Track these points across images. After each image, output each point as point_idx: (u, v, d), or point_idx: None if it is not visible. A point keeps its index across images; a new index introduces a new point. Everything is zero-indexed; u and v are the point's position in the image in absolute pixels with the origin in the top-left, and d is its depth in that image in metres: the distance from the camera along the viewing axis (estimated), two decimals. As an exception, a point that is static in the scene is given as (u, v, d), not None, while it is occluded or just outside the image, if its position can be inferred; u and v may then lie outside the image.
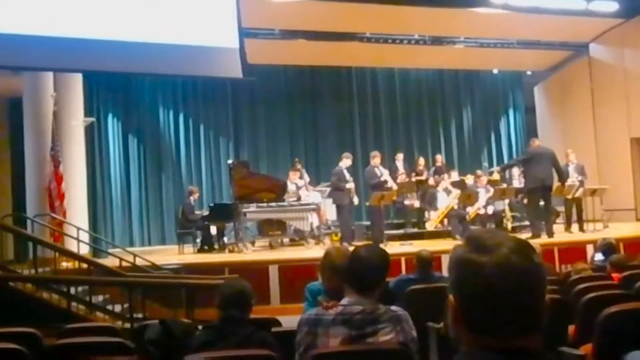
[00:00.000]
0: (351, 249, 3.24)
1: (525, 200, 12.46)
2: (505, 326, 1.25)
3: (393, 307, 2.93)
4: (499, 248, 1.28)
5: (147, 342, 3.67)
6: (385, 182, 11.53)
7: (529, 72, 17.26)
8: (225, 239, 11.93)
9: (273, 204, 11.47)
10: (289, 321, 3.81)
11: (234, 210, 11.22)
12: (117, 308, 8.29)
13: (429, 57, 15.30)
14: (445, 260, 8.65)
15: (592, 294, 4.25)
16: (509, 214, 12.04)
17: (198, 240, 11.88)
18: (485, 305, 1.25)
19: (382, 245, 10.45)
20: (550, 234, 11.07)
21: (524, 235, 10.25)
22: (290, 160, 14.31)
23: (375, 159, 11.79)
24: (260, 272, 9.24)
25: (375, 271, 2.94)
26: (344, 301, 2.89)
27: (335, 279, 3.64)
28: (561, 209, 12.27)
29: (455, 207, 12.03)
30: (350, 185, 11.45)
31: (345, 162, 11.50)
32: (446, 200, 12.27)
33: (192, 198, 12.38)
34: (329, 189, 12.19)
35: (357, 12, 12.70)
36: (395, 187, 11.94)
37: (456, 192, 12.43)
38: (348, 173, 11.47)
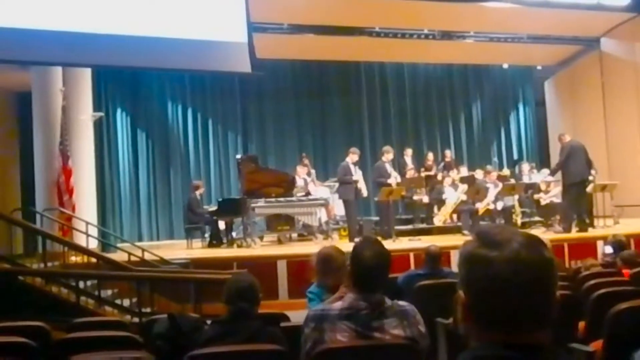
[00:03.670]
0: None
1: (535, 196, 12.46)
2: (515, 321, 1.24)
3: (400, 302, 2.91)
4: (508, 243, 1.27)
5: (156, 336, 3.67)
6: (390, 185, 11.40)
7: (539, 67, 17.15)
8: (234, 234, 11.95)
9: (281, 199, 11.47)
10: (297, 316, 3.81)
11: (242, 205, 11.23)
12: (126, 302, 8.32)
13: (438, 52, 15.22)
14: (454, 256, 8.64)
15: (602, 290, 4.23)
16: (518, 209, 11.99)
17: (206, 235, 11.89)
18: (495, 300, 1.25)
19: (391, 241, 10.51)
20: (591, 225, 11.35)
21: (536, 231, 10.21)
22: (299, 155, 14.31)
23: (388, 154, 11.71)
24: (269, 267, 9.25)
25: (377, 271, 2.92)
26: (349, 296, 2.88)
27: (332, 274, 3.73)
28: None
29: (464, 199, 12.00)
30: (358, 178, 11.41)
31: (352, 157, 11.44)
32: (453, 195, 12.23)
33: (197, 192, 12.38)
34: (337, 184, 12.17)
35: (366, 7, 12.65)
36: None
37: (463, 186, 12.39)
38: (354, 168, 11.41)
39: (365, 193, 11.68)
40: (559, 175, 11.73)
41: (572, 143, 11.26)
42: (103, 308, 8.02)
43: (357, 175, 11.43)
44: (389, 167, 11.66)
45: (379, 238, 9.60)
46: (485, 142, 17.37)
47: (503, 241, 1.27)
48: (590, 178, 11.68)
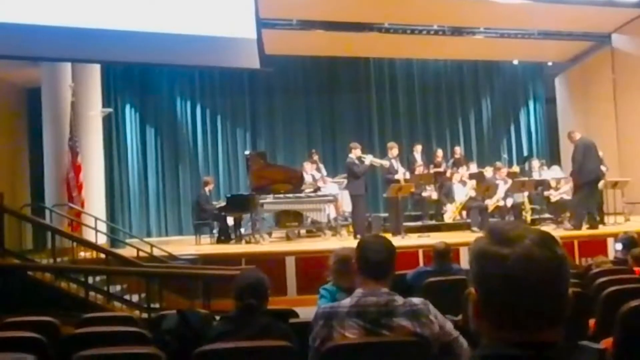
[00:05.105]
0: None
1: (545, 193, 12.40)
2: (527, 319, 1.23)
3: (414, 300, 2.89)
4: (521, 240, 1.25)
5: (165, 332, 3.68)
6: (398, 181, 11.35)
7: (549, 63, 17.05)
8: (242, 230, 11.95)
9: (290, 195, 11.47)
10: (306, 312, 3.81)
11: (250, 201, 11.23)
12: (135, 298, 8.35)
13: (448, 48, 15.17)
14: (463, 253, 8.62)
15: (613, 288, 4.21)
16: (528, 206, 11.94)
17: (215, 231, 11.91)
18: (507, 298, 1.23)
19: (400, 237, 10.49)
20: (601, 222, 11.31)
21: (546, 228, 10.15)
22: (307, 151, 14.30)
23: (393, 150, 11.69)
24: (277, 263, 9.25)
25: (384, 254, 2.92)
26: (358, 292, 2.87)
27: (348, 276, 3.73)
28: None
29: (473, 196, 11.95)
30: (369, 160, 11.32)
31: (355, 152, 11.35)
32: (462, 191, 12.19)
33: (207, 188, 12.41)
34: (345, 181, 12.14)
35: (375, 2, 12.62)
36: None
37: (471, 182, 12.35)
38: (358, 161, 11.34)
39: (387, 164, 11.57)
40: (568, 171, 11.65)
41: (584, 140, 11.17)
42: (112, 303, 8.06)
43: (367, 159, 11.34)
44: (395, 163, 11.62)
45: (388, 234, 9.60)
46: (495, 138, 17.29)
47: (515, 238, 1.25)
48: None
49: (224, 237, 11.68)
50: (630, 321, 3.33)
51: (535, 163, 13.81)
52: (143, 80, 14.89)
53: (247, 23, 11.29)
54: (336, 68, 16.24)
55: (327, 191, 12.01)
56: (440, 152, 14.26)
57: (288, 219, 12.22)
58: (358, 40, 14.11)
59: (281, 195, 11.42)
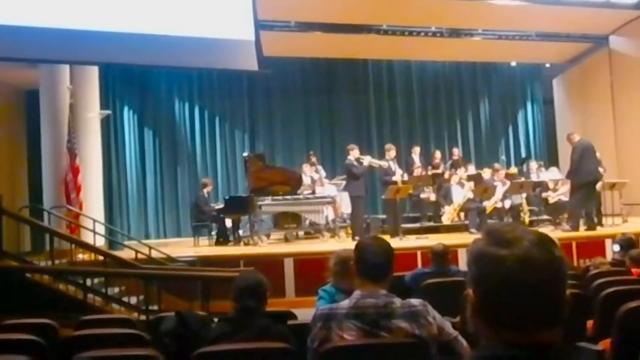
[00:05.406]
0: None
1: (543, 194, 12.40)
2: (525, 320, 1.23)
3: (413, 301, 2.89)
4: (519, 241, 1.26)
5: (163, 334, 3.68)
6: (396, 182, 11.33)
7: (547, 65, 17.07)
8: (241, 232, 11.95)
9: (288, 197, 11.47)
10: (304, 314, 3.80)
11: (249, 203, 11.23)
12: (133, 300, 8.32)
13: (446, 49, 15.18)
14: (461, 254, 8.62)
15: (611, 289, 4.22)
16: (526, 207, 11.95)
17: (213, 232, 11.90)
18: (505, 299, 1.24)
19: (398, 239, 10.49)
20: (599, 223, 11.35)
21: (544, 229, 10.14)
22: (306, 153, 14.30)
23: (391, 151, 11.68)
24: (276, 265, 9.25)
25: (382, 256, 2.93)
26: (357, 294, 2.87)
27: (348, 277, 3.72)
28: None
29: (471, 197, 11.95)
30: (368, 161, 11.29)
31: (353, 153, 11.31)
32: (460, 193, 12.20)
33: (205, 190, 12.39)
34: (344, 182, 12.14)
35: (373, 4, 12.63)
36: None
37: (469, 184, 12.36)
38: (357, 162, 11.32)
39: (386, 164, 11.54)
40: (566, 173, 11.67)
41: (583, 142, 11.17)
42: (110, 305, 8.05)
43: (366, 160, 11.32)
44: (392, 165, 11.61)
45: (387, 236, 9.60)
46: (493, 140, 17.31)
47: (514, 239, 1.26)
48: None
49: (223, 238, 11.68)
50: (628, 322, 3.34)
51: (533, 164, 13.82)
52: (141, 82, 14.89)
53: (246, 25, 11.29)
54: (334, 70, 16.25)
55: (325, 193, 12.01)
56: (438, 154, 14.28)
57: (286, 221, 12.22)
58: (356, 41, 14.12)
59: (279, 197, 11.42)
